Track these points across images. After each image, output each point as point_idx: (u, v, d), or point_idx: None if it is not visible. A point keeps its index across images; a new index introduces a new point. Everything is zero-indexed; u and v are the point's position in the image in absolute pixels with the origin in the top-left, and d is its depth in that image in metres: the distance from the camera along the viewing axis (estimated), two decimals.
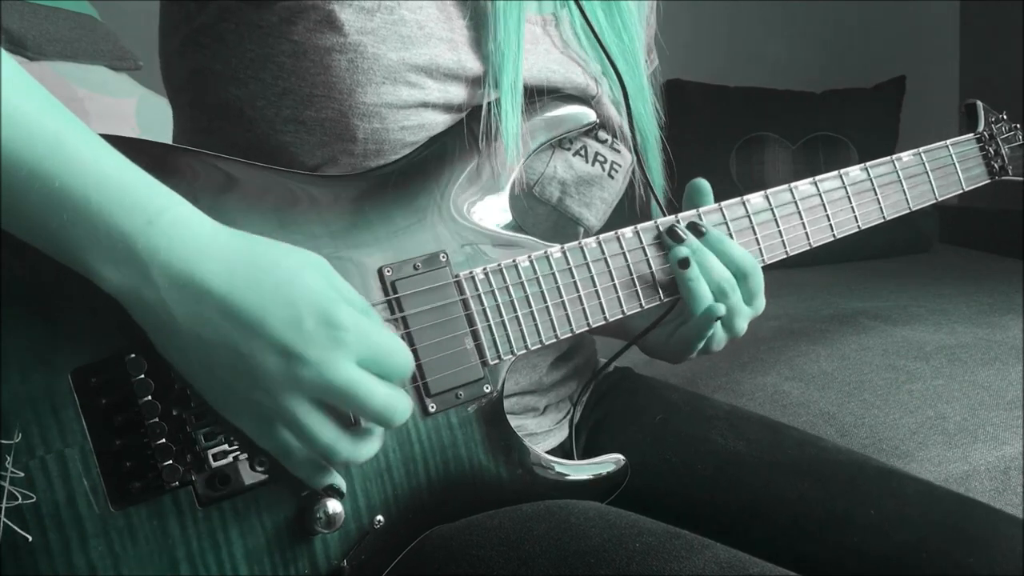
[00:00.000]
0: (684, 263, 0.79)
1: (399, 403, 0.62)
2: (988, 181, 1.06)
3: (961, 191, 1.02)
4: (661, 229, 0.82)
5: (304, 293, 0.60)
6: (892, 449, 1.25)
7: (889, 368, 1.47)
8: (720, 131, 2.54)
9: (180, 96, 0.83)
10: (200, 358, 0.60)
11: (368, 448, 0.64)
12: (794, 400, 1.40)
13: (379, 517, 0.70)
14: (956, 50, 3.05)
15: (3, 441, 0.59)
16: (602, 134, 0.87)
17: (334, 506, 0.66)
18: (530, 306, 0.76)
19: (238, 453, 0.65)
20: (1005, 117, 1.08)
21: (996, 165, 1.05)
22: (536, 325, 0.76)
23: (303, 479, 0.65)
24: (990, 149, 1.05)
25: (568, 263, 0.78)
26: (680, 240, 0.81)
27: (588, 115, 0.83)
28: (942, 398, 1.36)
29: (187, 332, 0.59)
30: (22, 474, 0.59)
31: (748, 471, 0.86)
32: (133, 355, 0.63)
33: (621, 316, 0.81)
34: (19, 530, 0.59)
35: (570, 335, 0.78)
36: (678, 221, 0.83)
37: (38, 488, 0.60)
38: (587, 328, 0.79)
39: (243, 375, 0.59)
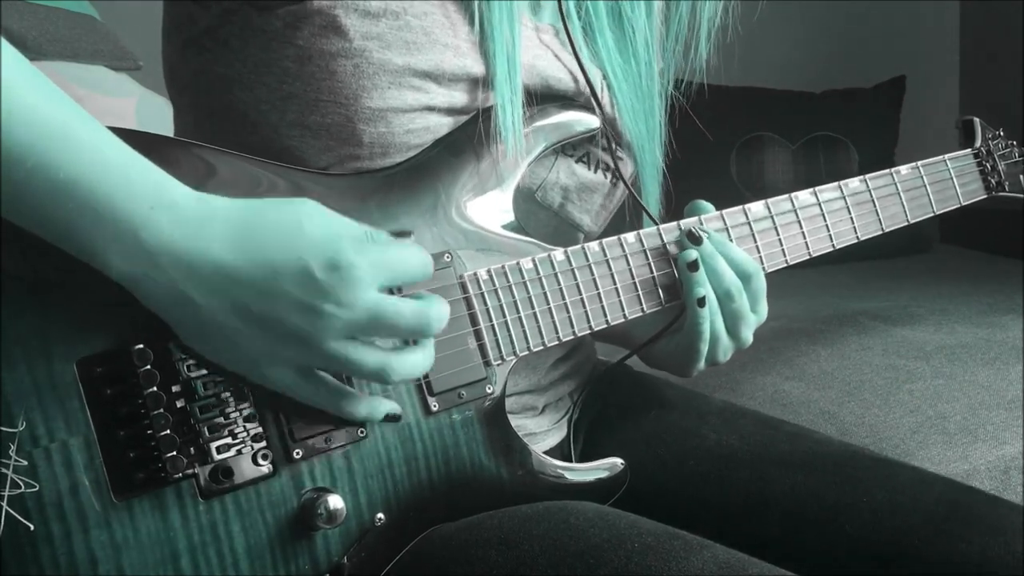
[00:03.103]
0: (694, 266, 0.80)
1: (431, 309, 0.64)
2: (985, 196, 1.08)
3: (959, 205, 1.03)
4: (665, 238, 0.83)
5: (307, 243, 0.61)
6: (892, 448, 1.25)
7: (889, 368, 1.47)
8: (720, 131, 2.54)
9: (182, 98, 0.83)
10: (221, 332, 0.61)
11: (421, 357, 0.66)
12: (794, 400, 1.40)
13: (380, 514, 0.70)
14: (956, 50, 3.05)
15: (7, 429, 0.59)
16: (605, 142, 0.87)
17: (335, 502, 0.67)
18: (533, 307, 0.77)
19: (241, 447, 0.66)
20: (1002, 133, 1.10)
21: (993, 181, 1.07)
22: (539, 326, 0.77)
23: (362, 416, 0.67)
24: (987, 165, 1.06)
25: (571, 265, 0.78)
26: (698, 241, 0.81)
27: (591, 122, 0.84)
28: (942, 398, 1.36)
29: (204, 308, 0.60)
30: (25, 463, 0.59)
31: (741, 466, 0.86)
32: (139, 346, 0.63)
33: (623, 320, 0.81)
34: (21, 518, 0.59)
35: (572, 337, 0.79)
36: (680, 228, 0.83)
37: (41, 477, 0.60)
38: (589, 331, 0.79)
39: (271, 336, 0.61)
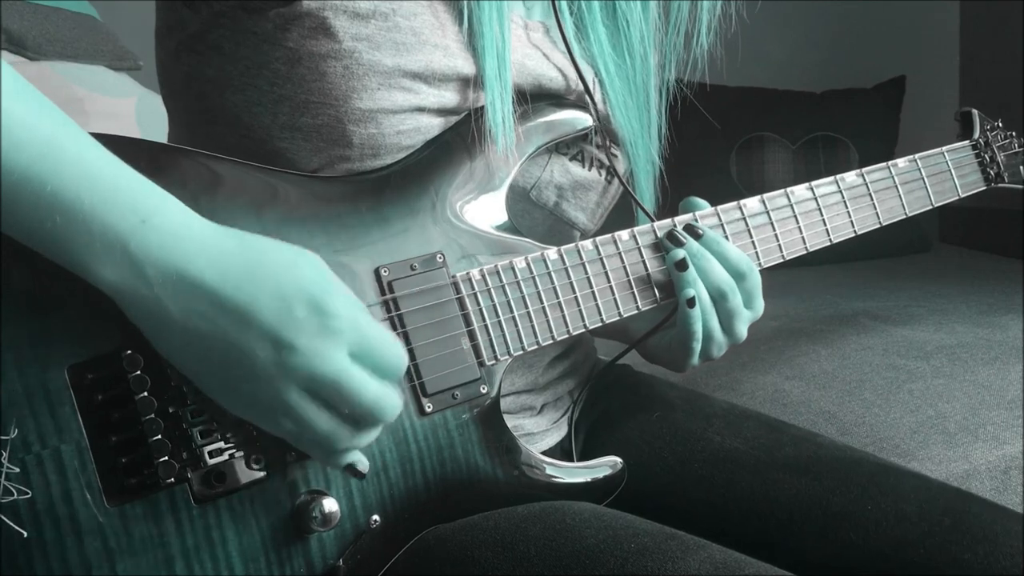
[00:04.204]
0: (681, 265, 0.80)
1: (388, 400, 0.63)
2: (984, 188, 1.07)
3: (957, 198, 1.02)
4: (659, 234, 0.82)
5: (296, 283, 0.60)
6: (892, 448, 1.24)
7: (889, 367, 1.47)
8: (720, 131, 2.54)
9: (175, 100, 0.83)
10: (196, 353, 0.60)
11: (367, 436, 0.64)
12: (794, 399, 1.40)
13: (375, 517, 0.70)
14: (956, 50, 3.05)
15: None
16: (599, 139, 0.87)
17: (330, 505, 0.66)
18: (527, 307, 0.76)
19: (234, 451, 0.66)
20: (1000, 125, 1.09)
21: (992, 172, 1.06)
22: (533, 326, 0.76)
23: (322, 462, 0.66)
24: (986, 156, 1.06)
25: (564, 264, 0.78)
26: (680, 244, 0.81)
27: (584, 120, 0.84)
28: (942, 397, 1.36)
29: (181, 327, 0.59)
30: (17, 470, 0.60)
31: (746, 469, 0.86)
32: (129, 351, 0.63)
33: (618, 318, 0.81)
34: (14, 526, 0.59)
35: (567, 336, 0.78)
36: (675, 225, 0.83)
37: (34, 484, 0.60)
38: (584, 329, 0.79)
39: (238, 367, 0.60)
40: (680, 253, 0.80)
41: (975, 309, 1.77)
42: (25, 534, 0.59)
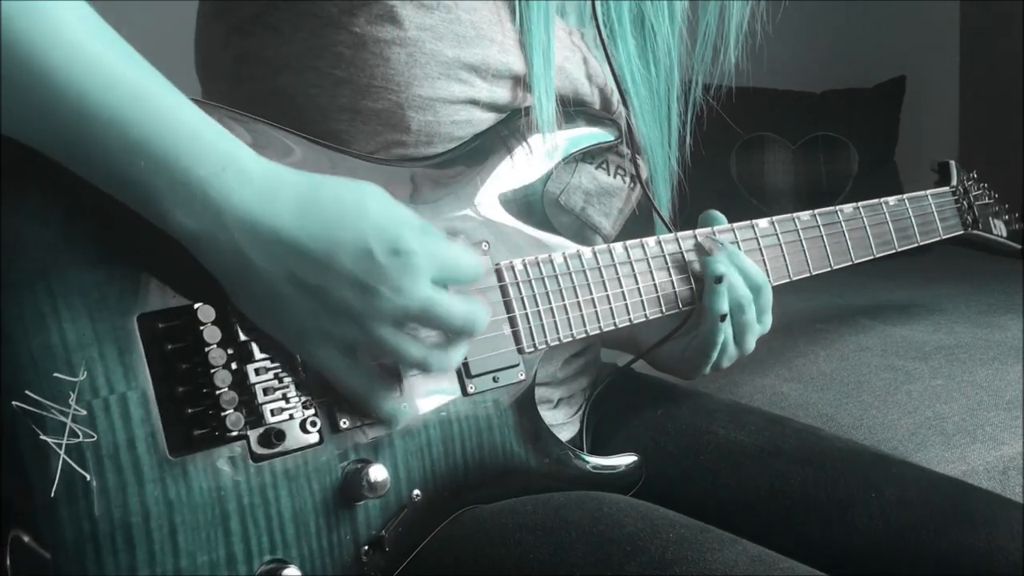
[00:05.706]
0: (721, 279, 0.83)
1: (477, 311, 0.66)
2: (962, 232, 1.13)
3: (940, 238, 1.09)
4: (682, 246, 0.86)
5: (370, 224, 0.62)
6: (891, 450, 1.25)
7: (888, 368, 1.47)
8: (720, 131, 2.54)
9: (218, 85, 0.84)
10: (274, 300, 0.62)
11: (457, 355, 0.68)
12: (793, 402, 1.40)
13: (417, 491, 0.72)
14: (956, 50, 3.05)
15: (68, 378, 0.60)
16: (624, 148, 0.90)
17: (378, 473, 0.68)
18: (563, 299, 0.80)
19: (294, 411, 0.67)
20: (975, 176, 1.15)
21: (968, 218, 1.13)
22: (568, 319, 0.80)
23: (383, 414, 0.69)
24: (963, 203, 1.12)
25: (598, 263, 0.82)
26: (709, 252, 0.84)
27: (610, 135, 0.87)
28: (941, 398, 1.36)
29: (261, 273, 0.61)
30: (84, 412, 0.60)
31: (750, 460, 0.88)
32: (201, 304, 0.64)
33: (644, 319, 0.84)
34: (78, 468, 0.59)
35: (598, 332, 0.81)
36: (696, 237, 0.86)
37: (99, 428, 0.60)
38: (613, 326, 0.82)
39: (322, 310, 0.62)
40: (721, 268, 0.83)
41: (975, 309, 1.77)
42: (88, 477, 0.60)
